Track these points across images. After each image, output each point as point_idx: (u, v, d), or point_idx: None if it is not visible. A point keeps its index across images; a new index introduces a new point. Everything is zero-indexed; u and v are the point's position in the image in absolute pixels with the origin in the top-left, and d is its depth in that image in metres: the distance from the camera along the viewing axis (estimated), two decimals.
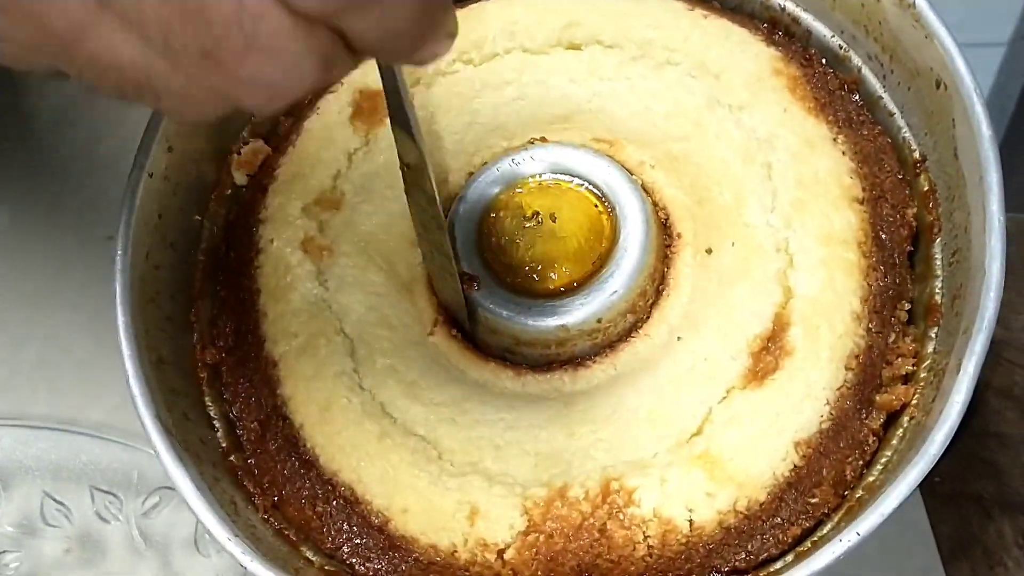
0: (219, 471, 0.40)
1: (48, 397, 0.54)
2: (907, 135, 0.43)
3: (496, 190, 0.44)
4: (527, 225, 0.43)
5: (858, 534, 0.33)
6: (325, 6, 0.23)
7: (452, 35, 0.28)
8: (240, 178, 0.47)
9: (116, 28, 0.23)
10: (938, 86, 0.40)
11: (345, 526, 0.40)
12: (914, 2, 0.41)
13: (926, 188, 0.42)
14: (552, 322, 0.41)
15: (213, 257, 0.46)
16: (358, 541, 0.40)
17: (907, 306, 0.41)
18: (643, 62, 0.46)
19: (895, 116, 0.44)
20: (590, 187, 0.43)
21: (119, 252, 0.40)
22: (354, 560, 0.40)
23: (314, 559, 0.40)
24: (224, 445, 0.42)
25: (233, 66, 0.23)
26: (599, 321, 0.41)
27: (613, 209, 0.42)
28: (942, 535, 0.47)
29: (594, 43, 0.47)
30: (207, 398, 0.43)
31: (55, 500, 0.51)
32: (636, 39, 0.46)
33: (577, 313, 0.41)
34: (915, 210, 0.42)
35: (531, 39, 0.47)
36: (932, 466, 0.33)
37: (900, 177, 0.43)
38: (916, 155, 0.43)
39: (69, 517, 0.51)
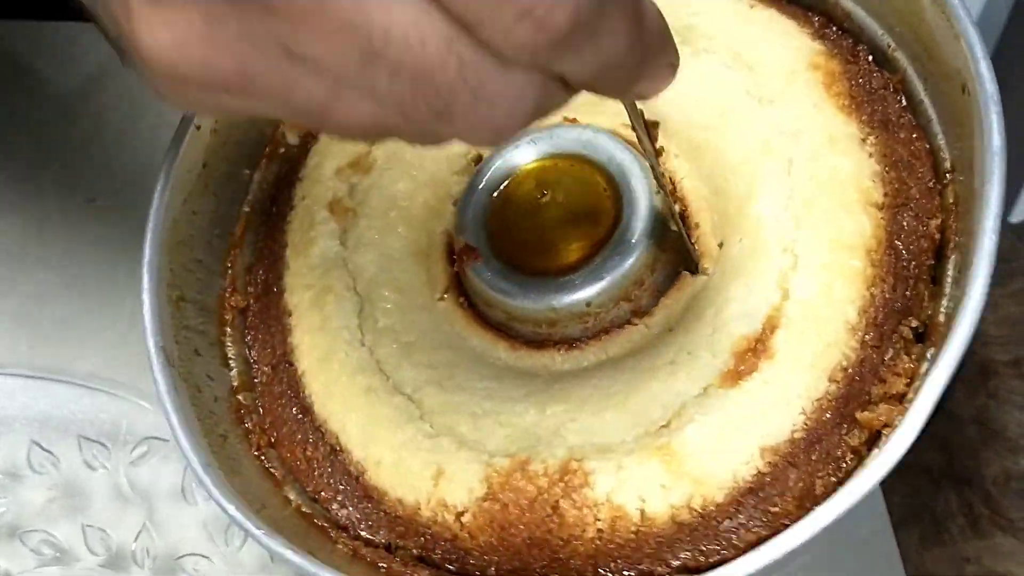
0: (219, 406, 0.43)
1: (28, 352, 0.55)
2: (942, 142, 0.41)
3: (513, 166, 0.44)
4: (534, 203, 0.43)
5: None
6: (536, 58, 0.24)
7: (674, 66, 0.29)
8: (292, 138, 0.50)
9: (356, 101, 0.24)
10: (963, 91, 0.38)
11: (328, 471, 0.43)
12: None
13: (952, 200, 0.40)
14: (541, 302, 0.42)
15: (259, 211, 0.49)
16: (338, 487, 0.42)
17: (913, 322, 0.39)
18: (681, 49, 0.45)
19: (933, 122, 0.42)
20: (604, 171, 0.43)
21: (156, 194, 0.44)
22: (333, 505, 0.42)
23: (293, 499, 0.42)
24: (236, 384, 0.45)
25: (462, 119, 0.25)
26: (588, 305, 0.41)
27: (621, 195, 0.42)
28: (893, 503, 0.48)
29: None
30: (228, 339, 0.46)
31: (42, 448, 0.52)
32: (678, 26, 0.45)
33: (566, 296, 0.41)
34: (939, 221, 0.40)
35: None
36: (862, 497, 0.32)
37: (931, 185, 0.41)
38: (947, 164, 0.41)
39: (56, 465, 0.52)
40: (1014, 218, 0.59)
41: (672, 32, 0.46)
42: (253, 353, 0.46)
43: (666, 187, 0.42)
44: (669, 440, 0.38)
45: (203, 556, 0.51)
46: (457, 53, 0.23)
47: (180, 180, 0.45)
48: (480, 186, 0.44)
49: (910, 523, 0.48)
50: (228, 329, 0.46)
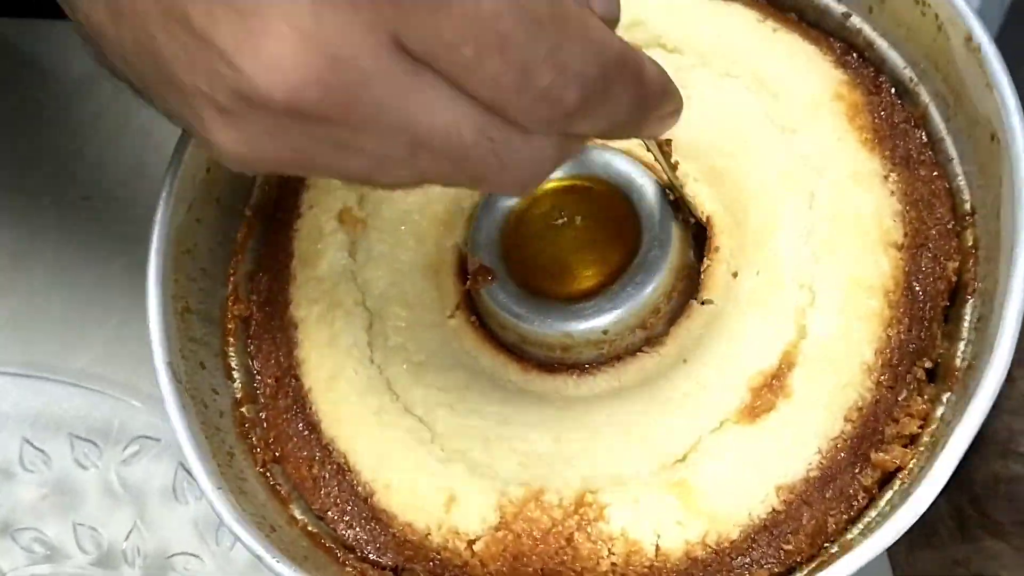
0: (224, 421, 0.42)
1: (21, 349, 0.54)
2: (962, 183, 0.41)
3: None
4: (552, 225, 0.43)
5: None
6: (553, 127, 0.28)
7: (677, 112, 0.33)
8: None
9: (400, 170, 0.28)
10: (992, 139, 0.38)
11: (336, 491, 0.42)
12: (980, 45, 0.38)
13: (970, 243, 0.40)
14: (557, 328, 0.41)
15: (261, 215, 0.48)
16: (345, 507, 0.42)
17: (928, 364, 0.39)
18: (702, 71, 0.45)
19: (953, 162, 0.42)
20: (623, 195, 0.43)
21: (161, 203, 0.42)
22: (340, 525, 0.42)
23: (300, 518, 0.42)
24: (239, 396, 0.44)
25: (494, 181, 0.29)
26: (605, 333, 0.41)
27: (640, 220, 0.42)
28: None
29: (656, 45, 0.46)
30: (231, 349, 0.45)
31: (34, 446, 0.51)
32: (699, 46, 0.45)
33: (583, 322, 0.41)
34: (957, 264, 0.40)
35: None
36: (891, 543, 0.33)
37: (950, 226, 0.41)
38: (967, 207, 0.41)
39: (47, 463, 0.51)
40: None
41: (694, 52, 0.45)
42: (256, 364, 0.45)
43: (680, 188, 0.43)
44: (686, 475, 0.38)
45: (193, 555, 0.50)
46: (488, 135, 0.27)
47: (184, 188, 0.44)
48: (496, 204, 0.44)
49: None
50: (231, 339, 0.45)
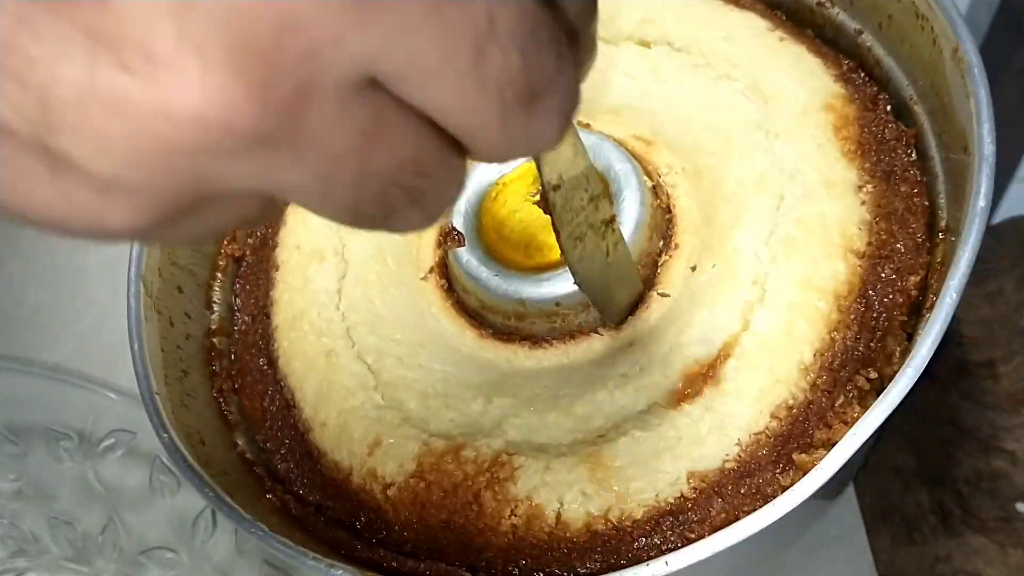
0: (189, 343, 0.44)
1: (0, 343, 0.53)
2: (943, 201, 0.40)
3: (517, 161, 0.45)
4: (526, 200, 0.43)
5: (667, 564, 0.32)
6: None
7: None
8: None
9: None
10: (965, 151, 0.37)
11: (279, 424, 0.43)
12: (964, 55, 0.37)
13: (939, 261, 0.39)
14: (512, 294, 0.42)
15: None
16: (284, 441, 0.43)
17: (873, 375, 0.38)
18: (703, 71, 0.45)
19: (939, 179, 0.40)
20: (600, 178, 0.43)
21: None
22: (276, 457, 0.43)
23: (240, 444, 0.43)
24: (214, 327, 0.46)
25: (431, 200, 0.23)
26: (557, 305, 0.41)
27: (611, 204, 0.42)
28: (865, 504, 0.47)
29: (664, 44, 0.47)
30: (217, 283, 0.48)
31: (9, 439, 0.50)
32: (704, 48, 0.46)
33: (536, 290, 0.41)
34: (919, 278, 0.39)
35: (605, 28, 0.47)
36: (770, 524, 0.31)
37: (920, 242, 0.40)
38: (943, 223, 0.39)
39: (23, 457, 0.50)
40: (992, 219, 0.56)
41: (699, 52, 0.46)
42: (238, 301, 0.47)
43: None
44: (600, 449, 0.38)
45: (170, 550, 0.50)
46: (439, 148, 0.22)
47: None
48: (480, 175, 0.45)
49: (881, 523, 0.46)
50: (219, 275, 0.48)
